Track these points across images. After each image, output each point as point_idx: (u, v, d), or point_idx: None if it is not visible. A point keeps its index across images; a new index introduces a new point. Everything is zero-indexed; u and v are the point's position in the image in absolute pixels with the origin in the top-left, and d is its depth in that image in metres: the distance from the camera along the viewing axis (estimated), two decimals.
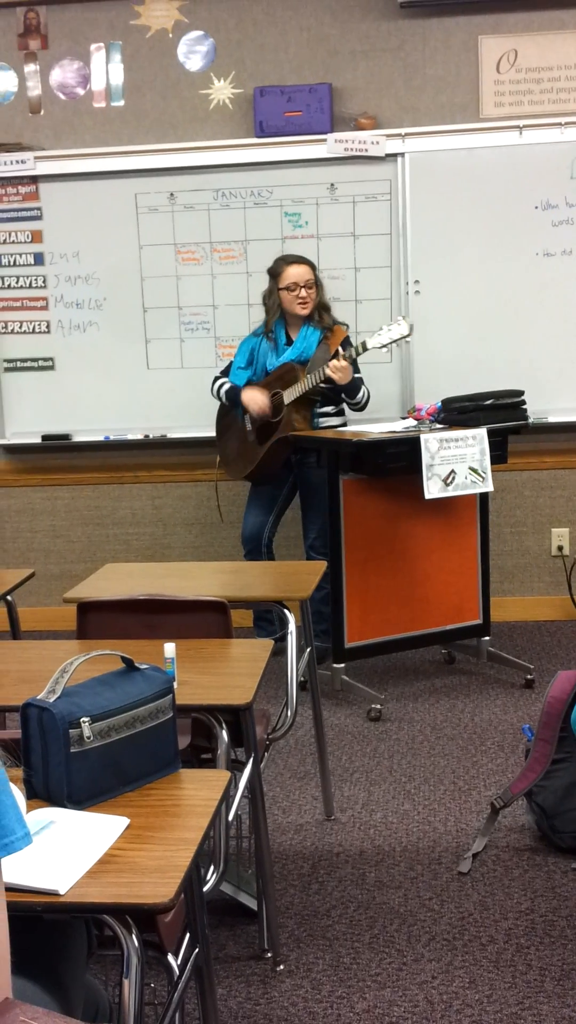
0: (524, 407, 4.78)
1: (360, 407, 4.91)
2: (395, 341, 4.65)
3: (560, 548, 5.64)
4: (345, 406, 4.96)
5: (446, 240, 5.34)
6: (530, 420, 4.85)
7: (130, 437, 5.63)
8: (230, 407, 5.07)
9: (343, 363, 4.65)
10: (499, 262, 5.34)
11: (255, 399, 4.90)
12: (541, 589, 5.69)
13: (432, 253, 5.35)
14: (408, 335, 4.65)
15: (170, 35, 5.42)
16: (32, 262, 5.56)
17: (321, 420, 4.91)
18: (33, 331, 5.62)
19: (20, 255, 5.56)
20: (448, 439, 4.49)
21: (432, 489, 4.45)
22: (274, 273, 4.92)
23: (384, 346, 4.66)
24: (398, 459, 4.50)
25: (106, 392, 5.61)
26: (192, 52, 5.43)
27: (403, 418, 5.01)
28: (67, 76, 5.51)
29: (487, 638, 4.96)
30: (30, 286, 5.58)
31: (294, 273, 4.86)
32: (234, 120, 5.43)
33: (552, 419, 5.38)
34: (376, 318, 5.36)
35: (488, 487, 4.59)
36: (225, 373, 5.08)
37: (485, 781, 3.84)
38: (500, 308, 5.36)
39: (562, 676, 3.30)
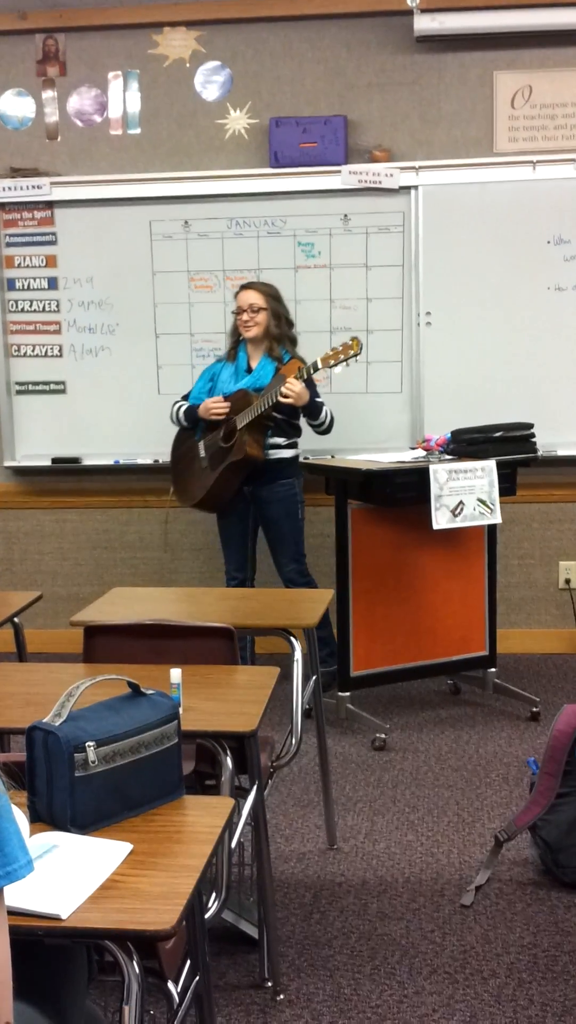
0: (533, 440, 4.79)
1: (324, 430, 4.88)
2: (345, 359, 4.63)
3: (567, 581, 5.63)
4: (306, 433, 4.95)
5: (458, 273, 5.36)
6: (539, 453, 4.86)
7: (140, 462, 5.64)
8: (189, 428, 5.05)
9: (296, 385, 4.64)
10: (510, 296, 5.36)
11: (211, 406, 4.89)
12: (548, 622, 5.68)
13: (444, 285, 5.38)
14: (357, 351, 4.62)
15: (187, 65, 5.47)
16: (46, 286, 5.60)
17: (271, 451, 4.87)
18: (45, 355, 5.65)
19: (34, 279, 5.60)
20: (457, 470, 4.49)
21: (440, 520, 4.46)
22: (235, 297, 4.98)
23: (333, 366, 4.66)
24: (407, 489, 4.51)
25: (117, 416, 5.64)
26: (209, 82, 5.48)
27: (412, 448, 5.02)
28: (84, 103, 5.56)
29: (493, 670, 4.95)
30: (43, 310, 5.62)
31: (241, 297, 4.91)
32: (249, 150, 5.48)
33: (561, 452, 5.39)
34: (388, 349, 5.40)
35: (496, 519, 4.59)
36: (186, 398, 5.08)
37: (489, 813, 3.82)
38: (511, 341, 5.38)
39: (568, 710, 3.29)
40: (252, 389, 4.82)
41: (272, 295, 4.92)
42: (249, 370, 4.91)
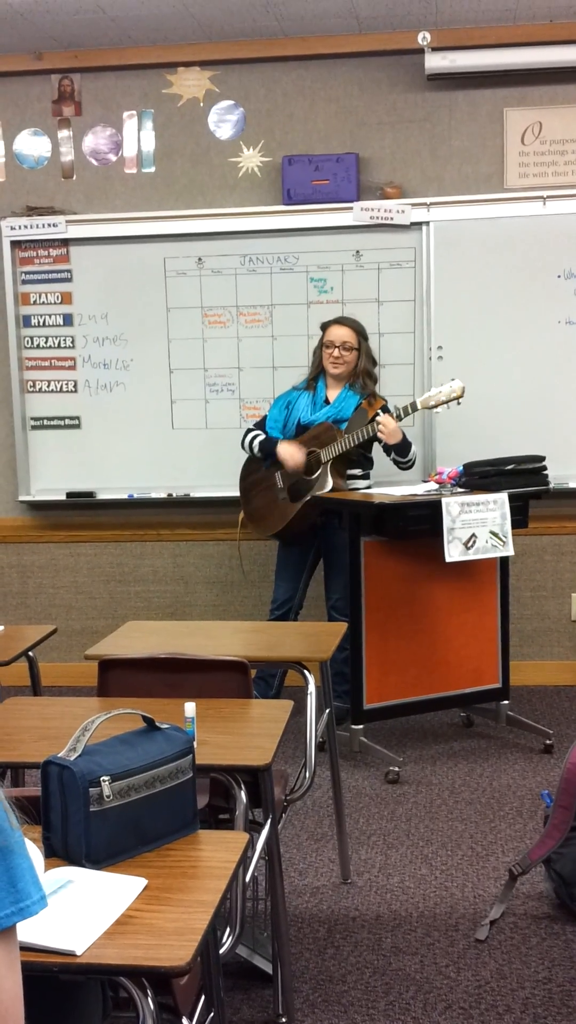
0: (545, 472, 4.80)
1: (409, 466, 4.94)
2: (447, 402, 4.70)
3: None
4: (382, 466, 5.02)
5: (469, 307, 5.40)
6: (551, 485, 4.87)
7: (154, 495, 5.68)
8: (261, 459, 5.06)
9: (390, 422, 4.70)
10: (521, 329, 5.39)
11: (292, 454, 4.91)
12: (560, 654, 5.67)
13: (455, 320, 5.41)
14: (461, 396, 4.70)
15: (201, 104, 5.54)
16: (61, 323, 5.65)
17: (349, 483, 4.95)
18: (60, 390, 5.70)
19: (50, 316, 5.66)
20: (469, 503, 4.51)
21: (453, 552, 4.47)
22: (322, 328, 5.02)
23: (434, 407, 4.72)
24: (419, 522, 4.53)
25: (131, 451, 5.67)
26: (222, 121, 5.55)
27: (425, 481, 5.04)
28: (99, 142, 5.64)
29: (506, 702, 4.94)
30: (59, 346, 5.67)
31: (334, 332, 4.94)
32: (262, 187, 5.54)
33: (573, 484, 5.40)
34: (400, 383, 5.43)
35: (508, 551, 4.60)
36: (259, 426, 5.11)
37: (503, 847, 3.81)
38: (522, 374, 5.41)
39: None
40: (333, 421, 4.87)
41: (363, 334, 4.97)
42: (327, 401, 4.96)
